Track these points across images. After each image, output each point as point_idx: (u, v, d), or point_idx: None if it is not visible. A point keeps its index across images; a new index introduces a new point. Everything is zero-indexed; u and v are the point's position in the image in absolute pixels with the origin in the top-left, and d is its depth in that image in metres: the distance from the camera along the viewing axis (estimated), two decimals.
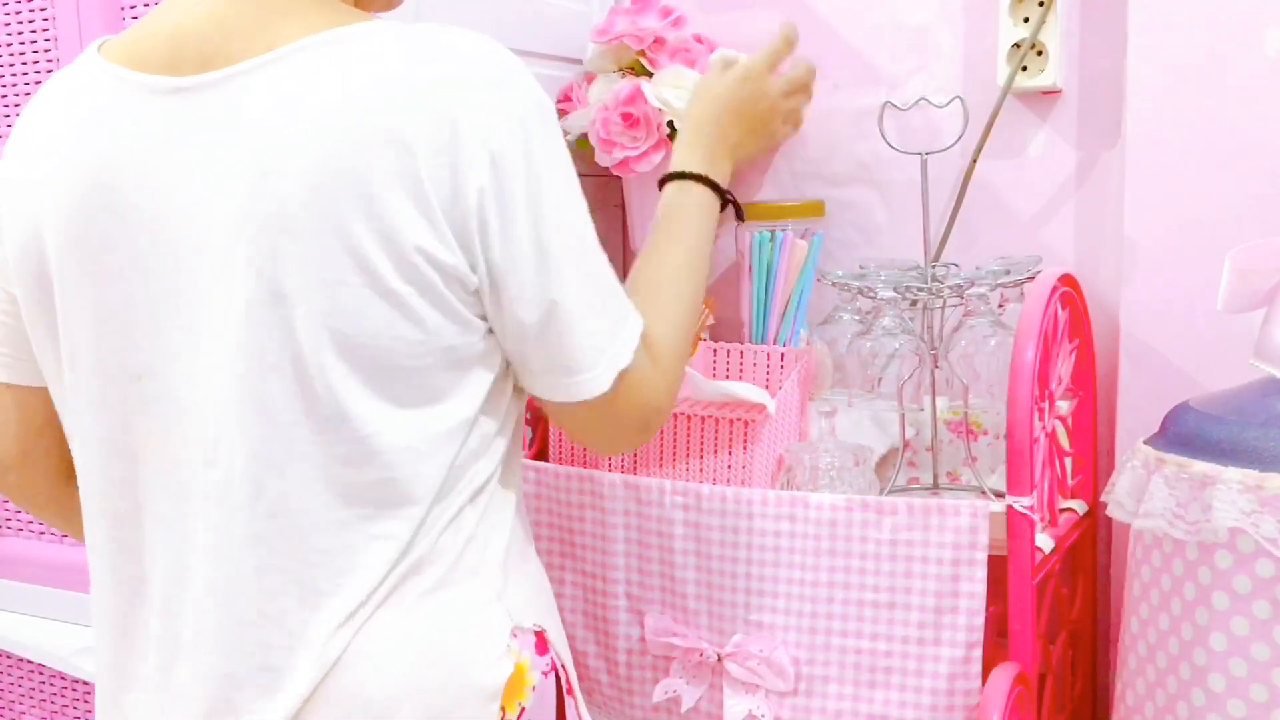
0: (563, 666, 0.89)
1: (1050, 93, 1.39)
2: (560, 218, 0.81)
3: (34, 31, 1.31)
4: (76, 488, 0.90)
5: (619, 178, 1.49)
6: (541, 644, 0.87)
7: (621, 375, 0.85)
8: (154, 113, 0.81)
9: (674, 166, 1.12)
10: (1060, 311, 1.18)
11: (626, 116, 1.39)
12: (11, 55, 1.33)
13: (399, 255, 0.76)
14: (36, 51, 1.31)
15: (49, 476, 0.95)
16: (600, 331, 0.84)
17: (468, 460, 0.84)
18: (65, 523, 0.98)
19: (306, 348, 0.77)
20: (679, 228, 1.05)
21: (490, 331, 0.84)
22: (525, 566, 0.92)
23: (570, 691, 0.89)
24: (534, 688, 0.85)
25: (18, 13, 1.32)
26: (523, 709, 0.84)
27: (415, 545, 0.82)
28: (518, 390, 0.89)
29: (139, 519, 0.85)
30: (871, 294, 1.23)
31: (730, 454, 1.21)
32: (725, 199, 1.12)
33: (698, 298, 1.01)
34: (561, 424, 0.92)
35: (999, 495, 1.12)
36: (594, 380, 0.84)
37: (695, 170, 1.10)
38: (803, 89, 1.33)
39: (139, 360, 0.82)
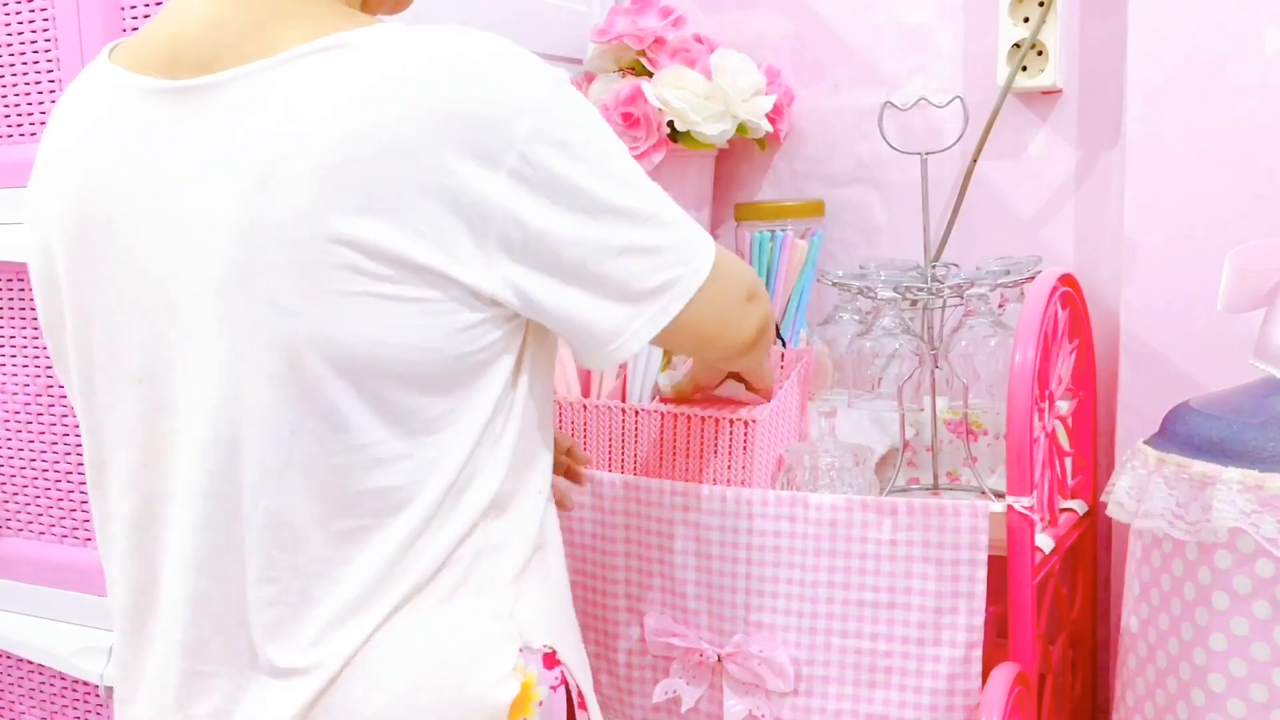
0: (575, 682, 0.87)
1: (1050, 93, 1.39)
2: (600, 192, 0.80)
3: (34, 31, 1.31)
4: None
5: None
6: (549, 660, 0.85)
7: (680, 316, 0.85)
8: (150, 115, 0.80)
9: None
10: (1060, 311, 1.18)
11: (627, 116, 1.39)
12: (11, 55, 1.33)
13: (403, 269, 0.75)
14: (36, 51, 1.31)
15: None
16: (640, 290, 0.83)
17: (475, 472, 0.82)
18: None
19: (303, 357, 0.76)
20: None
21: (504, 336, 0.82)
22: (545, 583, 0.89)
23: (583, 705, 0.88)
24: (540, 702, 0.83)
25: (18, 13, 1.32)
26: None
27: (418, 557, 0.81)
28: (535, 399, 0.87)
29: (151, 520, 0.84)
30: (871, 294, 1.23)
31: (730, 454, 1.20)
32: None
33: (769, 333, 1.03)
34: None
35: (999, 495, 1.12)
36: (637, 332, 0.84)
37: None
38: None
39: (139, 363, 0.82)
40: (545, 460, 0.91)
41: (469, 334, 0.79)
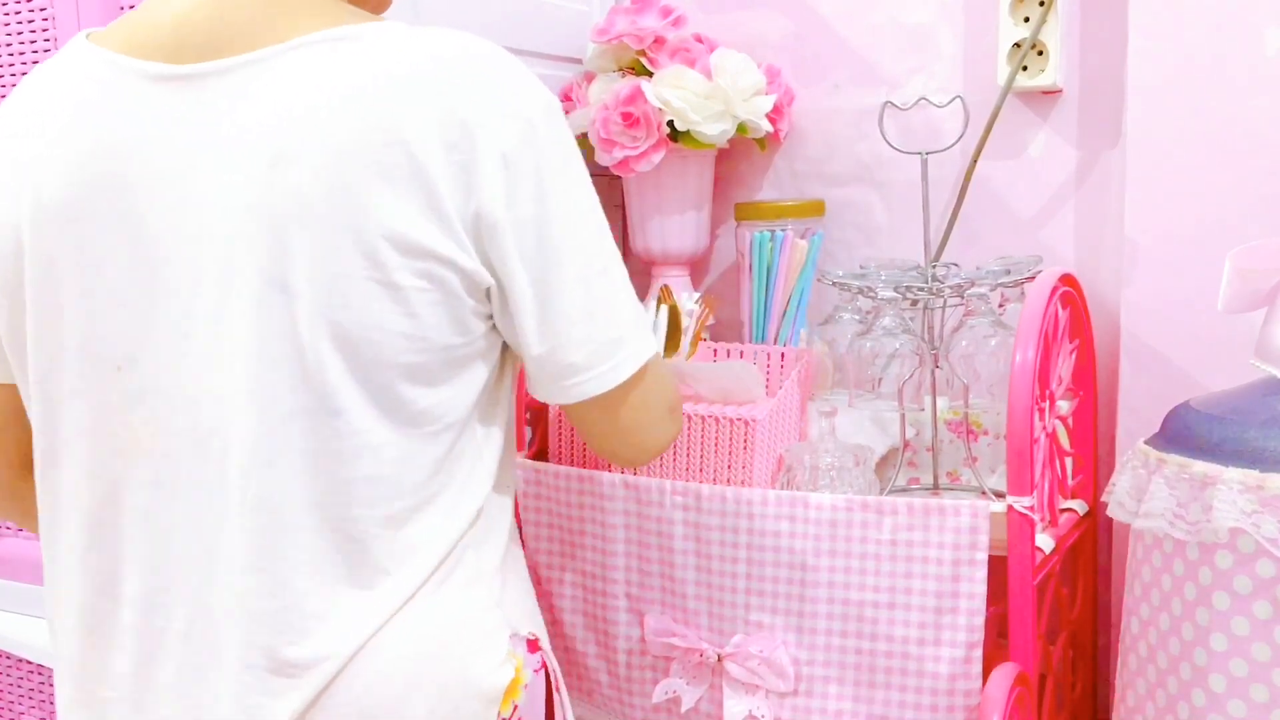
0: (554, 666, 0.91)
1: (1050, 92, 1.39)
2: (569, 221, 0.82)
3: (34, 31, 1.31)
4: (33, 482, 0.88)
5: (619, 177, 1.49)
6: (532, 645, 0.89)
7: (626, 383, 0.86)
8: (154, 99, 0.80)
9: None
10: (1060, 311, 1.18)
11: (626, 116, 1.39)
12: (11, 55, 1.33)
13: (409, 254, 0.76)
14: (36, 51, 1.31)
15: (9, 470, 0.94)
16: (599, 331, 0.84)
17: (459, 462, 0.84)
18: (21, 516, 0.96)
19: (306, 339, 0.77)
20: None
21: (488, 332, 0.84)
22: (518, 571, 0.93)
23: (557, 689, 0.91)
24: (526, 685, 0.87)
25: (17, 13, 1.32)
26: (516, 706, 0.86)
27: (411, 550, 0.82)
28: (509, 393, 0.90)
29: (115, 514, 0.83)
30: (872, 294, 1.23)
31: (730, 454, 1.20)
32: None
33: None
34: (581, 432, 0.93)
35: (999, 495, 1.12)
36: (596, 379, 0.84)
37: None
38: None
39: (121, 350, 0.81)
40: (514, 456, 0.94)
41: (464, 326, 0.81)
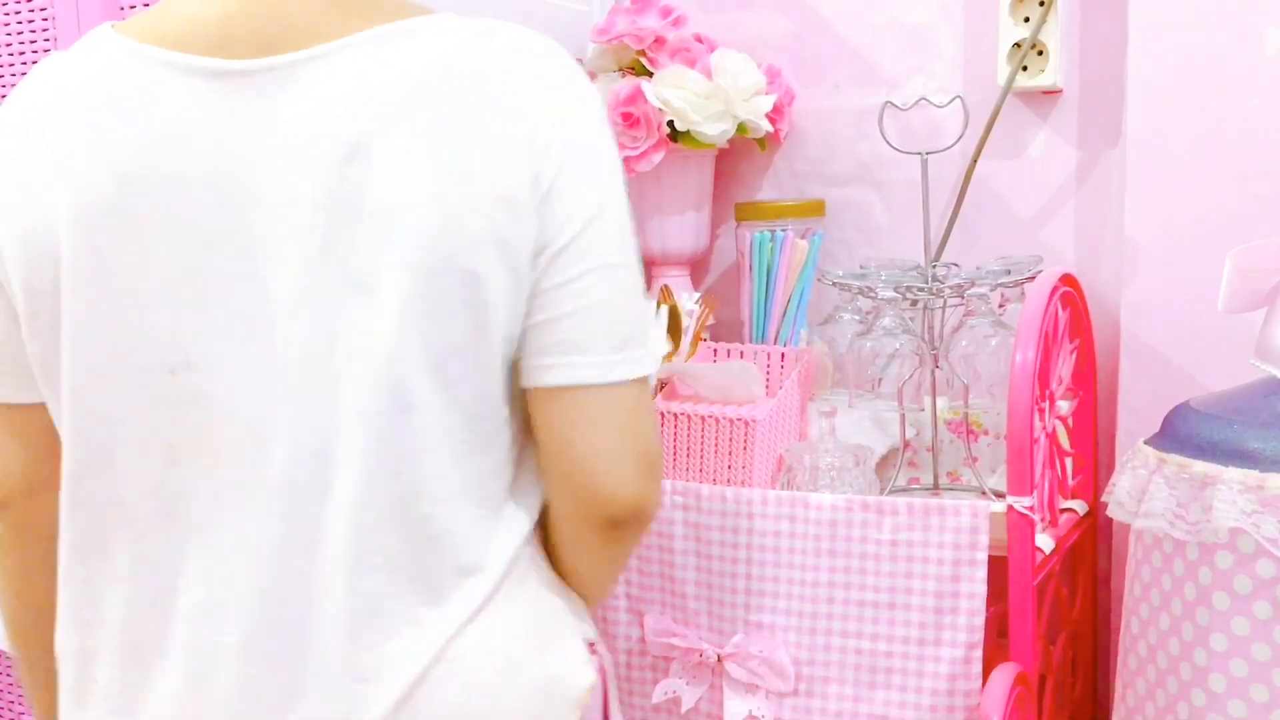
0: (608, 669, 0.91)
1: (1051, 92, 1.39)
2: (619, 216, 0.81)
3: (34, 31, 1.31)
4: (39, 503, 0.84)
5: None
6: (592, 648, 0.88)
7: (615, 397, 0.80)
8: (204, 95, 0.77)
9: None
10: (1060, 311, 1.18)
11: (627, 116, 1.39)
12: (11, 55, 1.33)
13: (488, 242, 0.75)
14: (36, 51, 1.31)
15: (54, 508, 0.83)
16: (610, 320, 0.80)
17: (521, 458, 0.83)
18: (50, 567, 0.85)
19: (384, 335, 0.75)
20: None
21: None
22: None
23: (608, 684, 0.92)
24: (594, 687, 0.87)
25: (17, 13, 1.32)
26: (587, 709, 0.86)
27: (481, 546, 0.81)
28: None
29: (171, 524, 0.79)
30: (872, 294, 1.23)
31: (730, 454, 1.20)
32: None
33: None
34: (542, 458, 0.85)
35: (999, 495, 1.12)
36: (588, 368, 0.79)
37: None
38: None
39: (175, 354, 0.77)
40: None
41: (513, 320, 0.78)
